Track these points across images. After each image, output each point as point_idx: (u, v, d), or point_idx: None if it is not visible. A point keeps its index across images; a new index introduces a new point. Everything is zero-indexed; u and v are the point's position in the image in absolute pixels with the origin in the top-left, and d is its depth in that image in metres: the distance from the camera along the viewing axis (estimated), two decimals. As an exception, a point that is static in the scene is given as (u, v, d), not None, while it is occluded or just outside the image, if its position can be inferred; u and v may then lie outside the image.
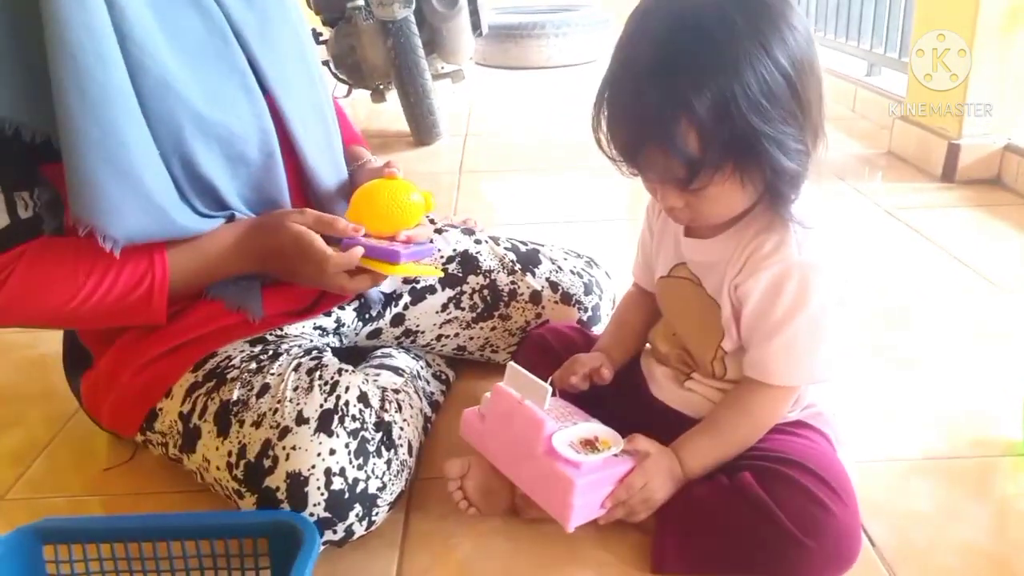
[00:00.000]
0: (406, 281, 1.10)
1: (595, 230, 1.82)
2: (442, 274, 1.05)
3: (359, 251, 0.85)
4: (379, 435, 0.85)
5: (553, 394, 0.82)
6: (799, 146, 0.71)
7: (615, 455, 0.79)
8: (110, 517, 0.86)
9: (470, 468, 0.86)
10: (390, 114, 2.76)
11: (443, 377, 1.14)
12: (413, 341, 1.13)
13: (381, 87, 2.64)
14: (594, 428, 0.82)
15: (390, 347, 1.12)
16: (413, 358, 1.11)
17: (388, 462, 0.85)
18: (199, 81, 0.81)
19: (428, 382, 1.09)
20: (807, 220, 0.77)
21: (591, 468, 0.77)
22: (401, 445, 0.88)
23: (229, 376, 0.88)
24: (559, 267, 1.16)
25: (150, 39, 0.78)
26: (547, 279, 1.14)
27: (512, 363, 0.85)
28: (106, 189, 0.77)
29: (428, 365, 1.13)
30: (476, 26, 2.64)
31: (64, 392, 1.05)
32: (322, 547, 0.80)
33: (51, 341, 1.35)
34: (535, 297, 1.13)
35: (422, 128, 2.50)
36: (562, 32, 3.79)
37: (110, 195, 0.77)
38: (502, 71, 3.83)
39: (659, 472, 0.80)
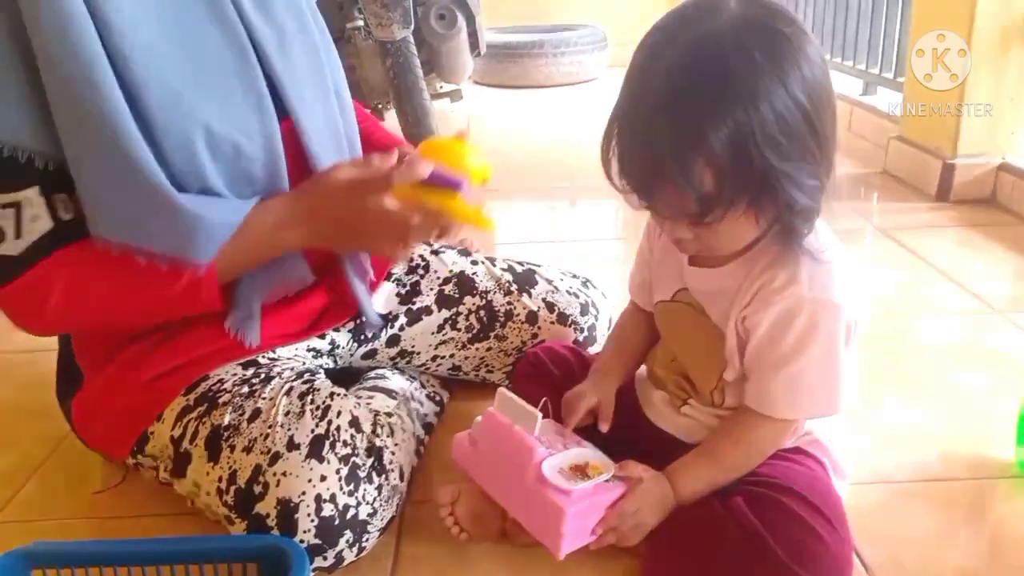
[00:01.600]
0: (402, 302, 1.10)
1: (591, 249, 1.82)
2: (494, 228, 1.00)
3: (428, 166, 0.80)
4: (370, 460, 0.85)
5: (545, 416, 0.82)
6: (814, 181, 0.70)
7: (606, 481, 0.79)
8: (99, 541, 0.86)
9: (461, 494, 0.86)
10: (388, 133, 2.77)
11: (437, 398, 1.14)
12: (408, 362, 1.13)
13: (380, 106, 2.66)
14: (585, 454, 0.82)
15: (384, 368, 1.12)
16: (407, 379, 1.11)
17: (379, 488, 0.84)
18: (212, 96, 0.81)
19: (422, 403, 1.09)
20: (820, 254, 0.75)
21: (581, 495, 0.77)
22: (392, 470, 0.87)
23: (220, 400, 0.88)
24: (555, 288, 1.16)
25: (155, 57, 0.77)
26: (543, 300, 1.14)
27: (502, 389, 0.85)
28: (121, 211, 0.77)
29: (422, 386, 1.13)
30: (475, 46, 2.66)
31: (59, 412, 1.05)
32: (312, 574, 0.80)
33: (47, 361, 1.34)
34: (531, 318, 1.13)
35: (420, 147, 2.50)
36: (560, 51, 3.81)
37: (127, 215, 0.77)
38: (500, 90, 3.85)
39: (651, 498, 0.79)
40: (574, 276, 1.22)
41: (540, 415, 0.79)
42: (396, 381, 1.08)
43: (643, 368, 0.97)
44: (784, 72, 0.66)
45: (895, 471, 0.99)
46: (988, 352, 1.29)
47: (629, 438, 0.88)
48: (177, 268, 0.80)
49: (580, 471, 0.79)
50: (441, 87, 2.84)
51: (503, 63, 3.83)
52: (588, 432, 0.88)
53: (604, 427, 0.89)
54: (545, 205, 2.19)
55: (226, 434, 0.85)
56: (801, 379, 0.76)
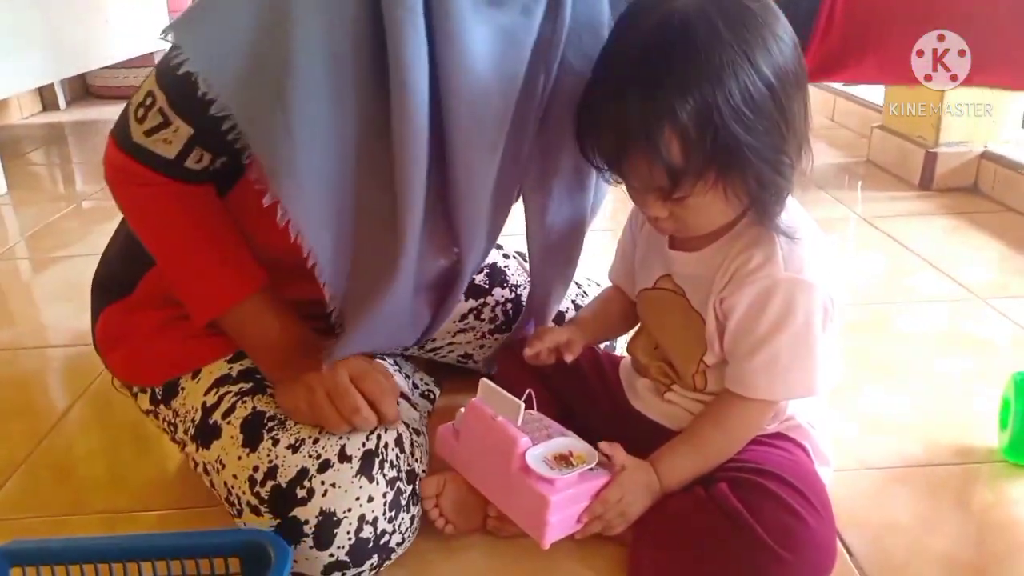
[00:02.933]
0: None
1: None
2: None
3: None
4: (410, 488, 0.83)
5: (529, 407, 0.82)
6: (783, 158, 0.71)
7: (590, 469, 0.79)
8: (80, 538, 0.85)
9: (445, 485, 0.86)
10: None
11: (431, 396, 1.12)
12: (421, 348, 1.11)
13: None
14: (568, 443, 0.81)
15: (387, 360, 1.09)
16: (404, 377, 1.09)
17: (412, 519, 0.83)
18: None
19: (415, 405, 1.07)
20: (795, 232, 0.76)
21: (565, 484, 0.76)
22: (421, 500, 0.85)
23: (267, 383, 0.85)
24: (584, 292, 1.16)
25: None
26: (572, 301, 1.13)
27: (485, 379, 0.85)
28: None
29: (416, 386, 1.11)
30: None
31: (42, 409, 1.03)
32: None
33: (29, 359, 1.34)
34: (559, 318, 1.10)
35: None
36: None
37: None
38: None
39: (635, 486, 0.79)
40: (598, 284, 1.20)
41: (523, 405, 0.79)
42: (399, 381, 1.06)
43: (627, 357, 0.97)
44: (750, 47, 0.68)
45: (879, 458, 1.00)
46: (971, 338, 1.29)
47: (613, 427, 0.88)
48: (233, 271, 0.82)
49: (564, 460, 0.79)
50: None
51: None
52: (571, 423, 0.87)
53: (569, 358, 0.90)
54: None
55: (269, 424, 0.81)
56: (778, 360, 0.77)
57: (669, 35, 0.69)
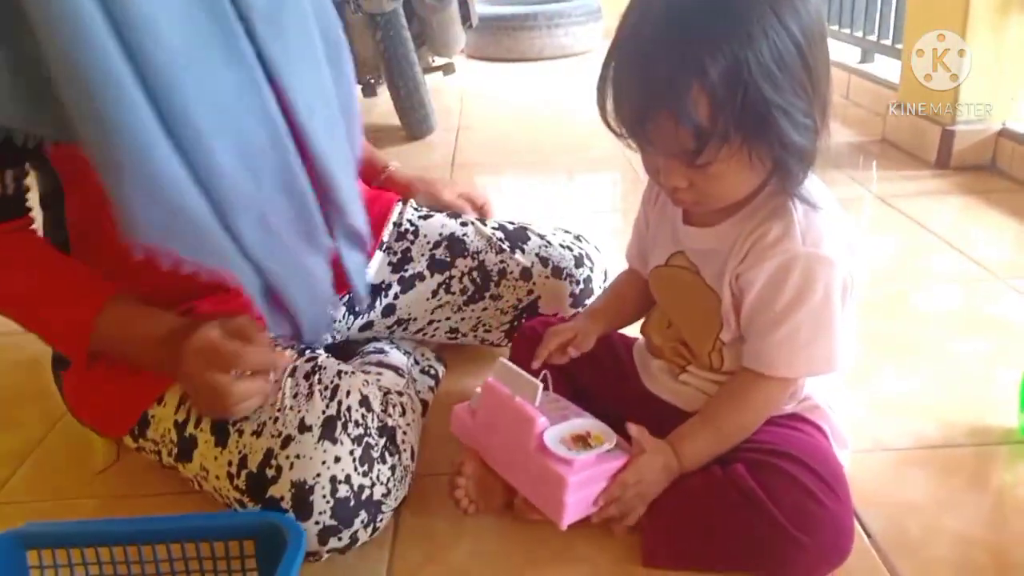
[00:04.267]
0: (394, 270, 1.09)
1: (588, 222, 1.81)
2: None
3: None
4: (383, 440, 0.84)
5: (545, 388, 0.81)
6: (807, 120, 0.70)
7: (608, 451, 0.78)
8: (94, 521, 0.85)
9: (467, 465, 0.86)
10: (381, 108, 2.74)
11: (432, 372, 1.13)
12: (405, 329, 1.12)
13: (372, 81, 2.62)
14: (586, 424, 0.81)
15: (383, 341, 1.11)
16: (404, 354, 1.10)
17: (392, 468, 0.83)
18: (206, 72, 0.75)
19: (417, 379, 1.08)
20: (815, 208, 0.75)
21: (583, 465, 0.76)
22: (405, 450, 0.86)
23: None
24: (548, 242, 1.15)
25: (158, 33, 0.71)
26: (536, 255, 1.13)
27: (502, 359, 0.84)
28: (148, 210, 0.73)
29: (416, 362, 1.12)
30: (466, 18, 2.62)
31: (54, 393, 1.03)
32: (327, 555, 0.80)
33: (42, 344, 1.34)
34: (525, 274, 1.12)
35: (413, 122, 2.48)
36: (554, 23, 3.77)
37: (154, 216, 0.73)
38: (494, 63, 3.81)
39: (653, 468, 0.79)
40: (567, 231, 1.20)
41: (541, 385, 0.79)
42: (395, 356, 1.07)
43: (641, 338, 0.96)
44: (779, 5, 0.67)
45: (895, 439, 0.99)
46: (989, 319, 1.28)
47: (628, 409, 0.87)
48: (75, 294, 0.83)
49: (582, 441, 0.78)
50: (433, 60, 2.80)
51: (496, 36, 3.79)
52: (585, 405, 0.87)
53: (574, 353, 0.89)
54: (540, 179, 2.17)
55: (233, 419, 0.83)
56: (797, 336, 0.76)
57: None
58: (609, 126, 0.76)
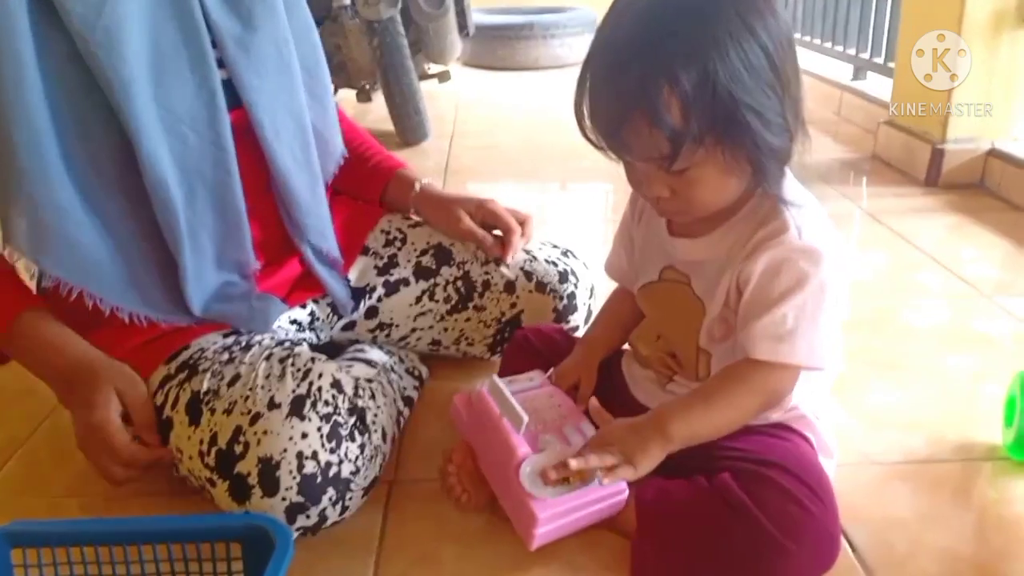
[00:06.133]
0: (379, 274, 1.10)
1: (580, 231, 1.82)
2: None
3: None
4: (352, 419, 0.85)
5: (544, 380, 0.83)
6: (779, 120, 0.72)
7: (585, 488, 0.78)
8: (80, 520, 0.85)
9: (454, 453, 0.87)
10: (376, 114, 2.75)
11: (416, 373, 1.13)
12: (388, 335, 1.13)
13: (367, 87, 2.63)
14: (568, 453, 0.79)
15: (364, 343, 1.11)
16: (386, 353, 1.10)
17: (362, 446, 0.84)
18: (164, 85, 0.82)
19: (401, 376, 1.08)
20: (799, 200, 0.77)
21: (556, 503, 0.77)
22: (375, 431, 0.87)
23: (200, 367, 0.88)
24: (533, 257, 1.16)
25: (115, 43, 0.78)
26: (521, 268, 1.14)
27: (495, 377, 0.85)
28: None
29: (401, 361, 1.12)
30: (463, 27, 2.63)
31: (42, 391, 1.03)
32: (296, 533, 0.80)
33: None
34: (509, 287, 1.12)
35: (408, 128, 2.49)
36: (550, 33, 3.79)
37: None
38: (489, 72, 3.82)
39: (617, 429, 0.79)
40: (554, 246, 1.21)
41: (526, 418, 0.79)
42: (375, 354, 1.08)
43: (629, 349, 0.97)
44: (746, 12, 0.70)
45: (882, 452, 0.99)
46: (976, 335, 1.29)
47: (617, 417, 0.87)
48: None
49: (563, 473, 0.77)
50: (429, 68, 2.81)
51: (492, 45, 3.81)
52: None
53: (582, 406, 0.89)
54: (534, 188, 2.18)
55: (206, 398, 0.84)
56: (784, 322, 0.76)
57: (667, 4, 0.70)
58: (587, 137, 0.77)
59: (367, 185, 1.16)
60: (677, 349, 0.87)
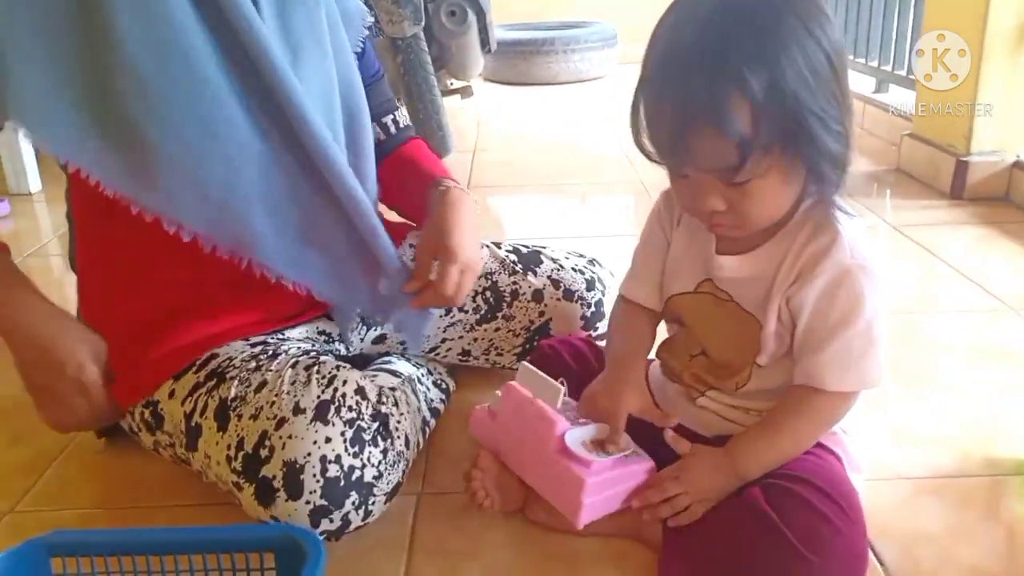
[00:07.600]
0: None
1: (603, 246, 1.82)
2: None
3: None
4: (375, 425, 0.86)
5: (566, 394, 0.83)
6: (840, 128, 0.72)
7: (626, 456, 0.80)
8: (118, 530, 0.86)
9: (480, 458, 0.88)
10: (399, 129, 2.77)
11: (443, 386, 1.14)
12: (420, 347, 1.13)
13: (390, 103, 2.65)
14: (605, 429, 0.82)
15: (393, 356, 1.12)
16: (414, 365, 1.11)
17: (384, 452, 0.85)
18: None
19: (428, 389, 1.09)
20: (849, 209, 0.78)
21: (602, 467, 0.78)
22: (398, 437, 0.88)
23: (228, 375, 0.89)
24: (560, 265, 1.17)
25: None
26: (549, 277, 1.15)
27: (525, 362, 0.87)
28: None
29: (429, 373, 1.13)
30: (485, 43, 2.66)
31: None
32: (321, 536, 0.81)
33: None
34: (537, 295, 1.14)
35: (431, 143, 2.48)
36: (570, 49, 3.81)
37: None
38: (510, 87, 3.85)
39: (700, 464, 0.80)
40: (580, 255, 1.22)
41: (563, 389, 0.80)
42: (402, 365, 1.09)
43: (656, 361, 0.97)
44: (808, 20, 0.70)
45: (910, 468, 0.99)
46: (1003, 350, 1.28)
47: (643, 432, 0.88)
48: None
49: (600, 446, 0.80)
50: (452, 84, 2.84)
51: (513, 60, 3.83)
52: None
53: (672, 422, 0.85)
54: (555, 202, 2.19)
55: (234, 404, 0.86)
56: (850, 350, 0.77)
57: (730, 12, 0.70)
58: (643, 150, 0.76)
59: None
60: (725, 362, 0.86)
